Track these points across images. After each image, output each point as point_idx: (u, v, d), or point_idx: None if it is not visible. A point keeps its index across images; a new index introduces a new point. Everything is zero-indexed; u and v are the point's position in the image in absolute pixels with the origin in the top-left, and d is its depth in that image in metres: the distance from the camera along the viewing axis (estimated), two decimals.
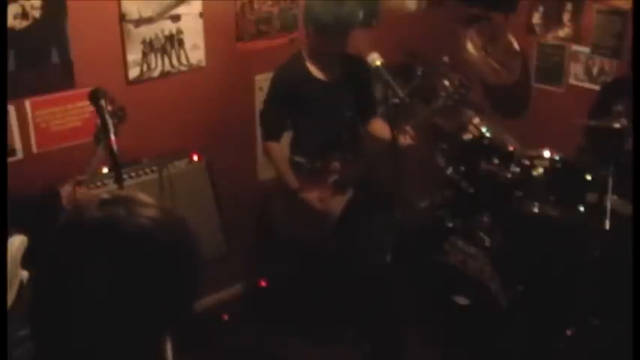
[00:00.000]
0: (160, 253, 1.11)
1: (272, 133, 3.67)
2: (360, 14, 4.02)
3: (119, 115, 2.67)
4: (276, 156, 3.66)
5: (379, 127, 3.63)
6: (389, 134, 3.18)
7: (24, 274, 2.63)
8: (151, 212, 1.13)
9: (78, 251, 1.09)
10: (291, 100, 3.57)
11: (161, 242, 1.11)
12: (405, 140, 3.35)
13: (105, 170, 3.35)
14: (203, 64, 3.78)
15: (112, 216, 1.10)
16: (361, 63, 3.37)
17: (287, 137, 3.77)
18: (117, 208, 1.12)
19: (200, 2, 3.68)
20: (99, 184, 3.35)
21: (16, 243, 2.61)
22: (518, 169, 3.65)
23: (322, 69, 3.58)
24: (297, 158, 3.69)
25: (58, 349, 1.11)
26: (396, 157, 3.23)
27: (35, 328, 1.14)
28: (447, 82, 3.41)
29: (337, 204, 3.64)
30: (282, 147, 3.71)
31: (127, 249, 1.09)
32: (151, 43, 3.56)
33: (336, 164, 3.63)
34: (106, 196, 1.15)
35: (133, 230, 1.10)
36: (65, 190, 2.75)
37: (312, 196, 3.59)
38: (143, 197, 1.17)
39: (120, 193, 1.19)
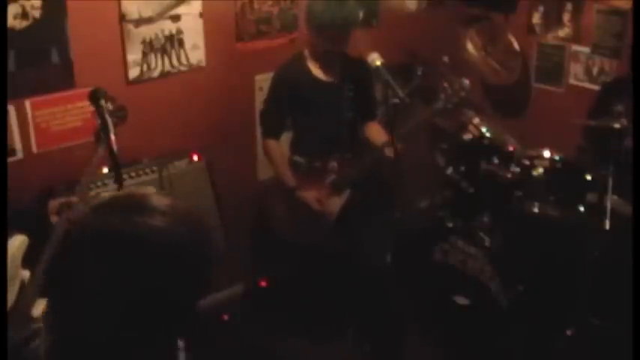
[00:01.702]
0: (166, 255, 1.11)
1: (272, 132, 3.68)
2: (361, 14, 4.02)
3: (119, 115, 2.67)
4: (274, 154, 3.66)
5: (375, 132, 3.65)
6: (384, 139, 3.20)
7: (25, 273, 2.63)
8: (151, 214, 1.12)
9: (80, 260, 1.10)
10: (291, 99, 3.57)
11: (166, 245, 1.11)
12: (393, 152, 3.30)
13: (105, 170, 3.36)
14: (203, 64, 3.78)
15: (108, 224, 1.11)
16: (362, 64, 3.37)
17: (287, 137, 3.78)
18: (113, 215, 1.12)
19: (200, 2, 3.68)
20: (99, 184, 3.36)
21: (17, 243, 2.61)
22: (518, 169, 3.64)
23: (323, 69, 3.59)
24: (297, 158, 3.69)
25: (74, 346, 1.12)
26: (394, 158, 3.24)
27: (50, 331, 1.15)
28: (446, 85, 3.41)
29: (335, 204, 3.64)
30: (281, 145, 3.71)
31: (125, 255, 1.09)
32: (151, 43, 3.56)
33: (334, 164, 3.63)
34: (101, 200, 1.15)
35: (131, 236, 1.10)
36: (52, 205, 2.66)
37: (309, 195, 3.59)
38: (146, 194, 1.17)
39: (120, 193, 1.19)
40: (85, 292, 1.09)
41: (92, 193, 3.24)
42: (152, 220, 1.11)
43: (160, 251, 1.11)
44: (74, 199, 2.65)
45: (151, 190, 1.21)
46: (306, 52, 3.59)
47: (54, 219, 2.64)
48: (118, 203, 1.15)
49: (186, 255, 1.14)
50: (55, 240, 2.56)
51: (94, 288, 1.09)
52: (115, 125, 2.58)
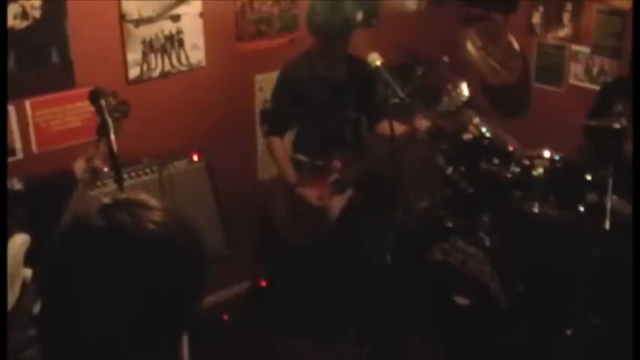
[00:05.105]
0: (167, 257, 1.11)
1: (276, 130, 3.69)
2: (360, 15, 4.02)
3: (122, 110, 2.66)
4: (277, 151, 3.67)
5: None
6: (401, 129, 3.26)
7: (27, 272, 2.63)
8: (154, 216, 1.12)
9: (83, 260, 1.10)
10: (295, 97, 3.59)
11: (167, 246, 1.11)
12: (422, 124, 3.42)
13: (105, 170, 3.36)
14: (203, 64, 3.78)
15: (116, 224, 1.10)
16: (367, 65, 3.37)
17: (290, 135, 3.78)
18: (120, 214, 1.11)
19: (200, 2, 3.68)
20: (99, 184, 3.35)
21: (18, 241, 2.61)
22: (518, 169, 3.64)
23: (328, 69, 3.60)
24: (299, 156, 3.70)
25: (70, 352, 1.11)
26: (396, 155, 3.24)
27: (45, 331, 1.14)
28: (450, 87, 3.41)
29: (337, 203, 3.64)
30: (284, 143, 3.72)
31: (133, 256, 1.09)
32: (151, 43, 3.56)
33: (337, 163, 3.64)
34: (107, 200, 1.15)
35: (139, 237, 1.10)
36: (78, 166, 2.68)
37: (310, 192, 3.59)
38: (144, 198, 1.17)
39: (121, 195, 1.18)
40: (85, 291, 1.09)
41: (92, 193, 3.25)
42: (156, 221, 1.12)
43: (164, 252, 1.11)
44: (97, 161, 2.63)
45: (145, 195, 1.21)
46: (311, 52, 3.60)
47: (82, 181, 2.62)
48: (125, 203, 1.14)
49: (188, 256, 1.14)
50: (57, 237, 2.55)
51: (96, 287, 1.08)
52: (118, 120, 2.58)
